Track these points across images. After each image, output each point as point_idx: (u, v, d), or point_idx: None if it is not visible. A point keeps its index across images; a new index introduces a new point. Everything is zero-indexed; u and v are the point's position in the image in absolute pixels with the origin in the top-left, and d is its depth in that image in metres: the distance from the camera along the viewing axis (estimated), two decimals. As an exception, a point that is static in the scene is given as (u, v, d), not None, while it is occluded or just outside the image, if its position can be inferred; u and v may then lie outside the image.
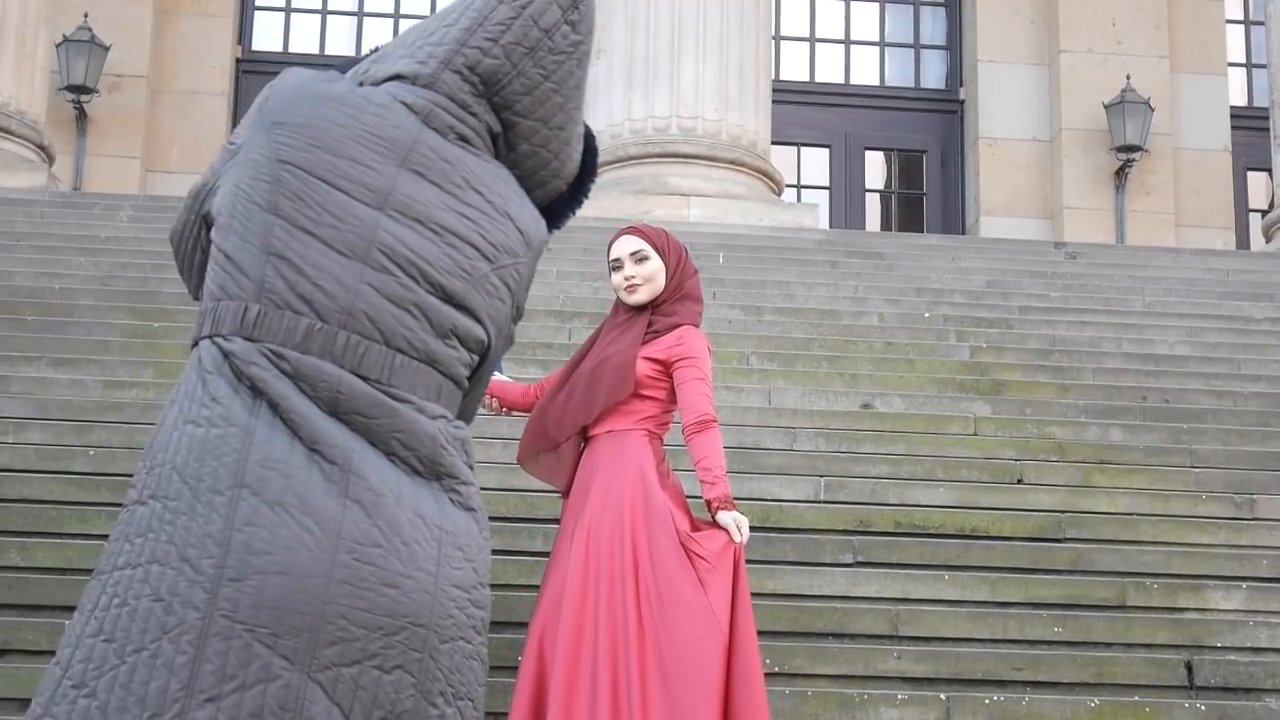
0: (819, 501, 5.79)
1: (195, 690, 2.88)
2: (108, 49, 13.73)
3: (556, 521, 4.21)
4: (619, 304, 4.11)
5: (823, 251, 10.17)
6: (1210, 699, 4.72)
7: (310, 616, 2.96)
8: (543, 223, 3.60)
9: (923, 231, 14.79)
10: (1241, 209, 15.50)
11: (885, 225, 15.53)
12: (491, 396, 4.21)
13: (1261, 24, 15.06)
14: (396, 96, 3.38)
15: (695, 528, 3.86)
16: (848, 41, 15.88)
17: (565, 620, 3.72)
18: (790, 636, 4.88)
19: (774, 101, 12.32)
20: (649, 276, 4.02)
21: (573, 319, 7.72)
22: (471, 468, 3.34)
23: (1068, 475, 6.20)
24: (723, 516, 3.83)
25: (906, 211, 15.80)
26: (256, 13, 15.42)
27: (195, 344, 3.27)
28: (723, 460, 3.92)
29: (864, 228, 15.00)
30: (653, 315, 4.02)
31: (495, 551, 3.58)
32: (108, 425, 5.98)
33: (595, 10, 3.59)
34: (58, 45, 13.18)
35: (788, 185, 13.37)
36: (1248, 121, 15.41)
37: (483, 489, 3.44)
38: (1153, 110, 14.46)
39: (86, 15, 13.70)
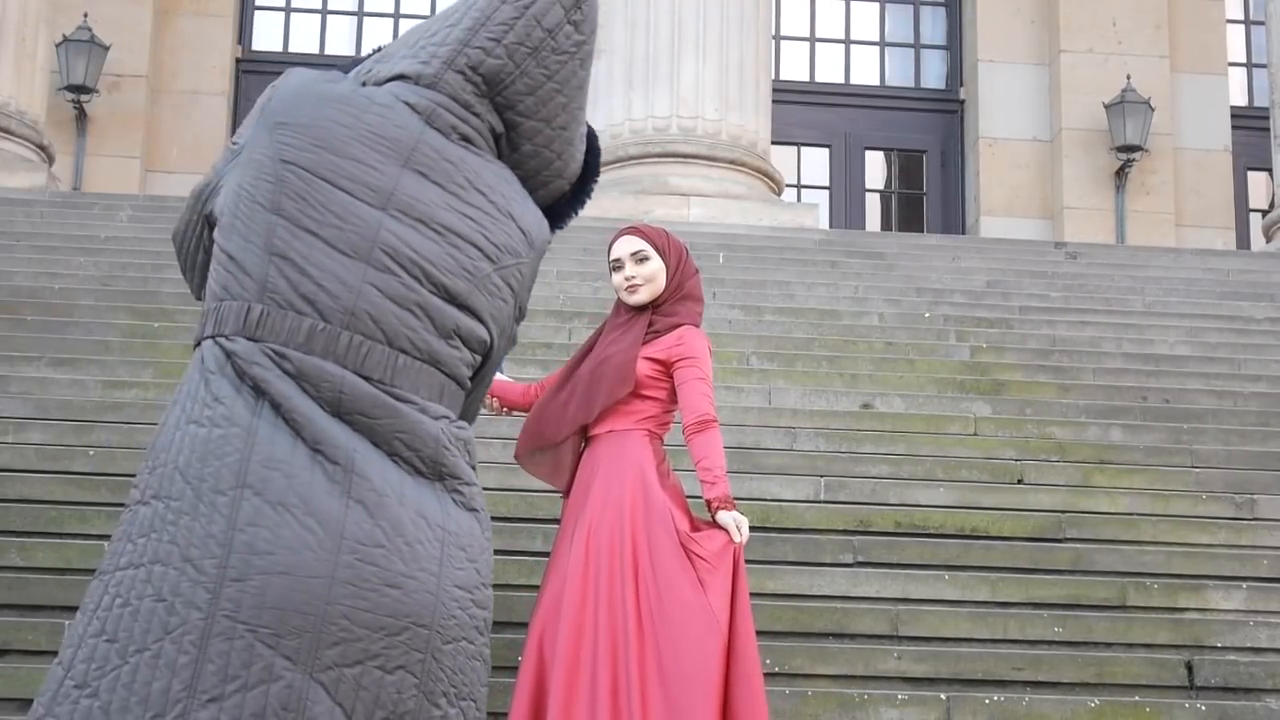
0: (819, 501, 5.79)
1: (197, 690, 2.89)
2: (107, 49, 13.72)
3: (556, 521, 4.21)
4: (620, 304, 4.11)
5: (823, 251, 10.17)
6: (1210, 699, 4.72)
7: (313, 617, 2.96)
8: (545, 223, 3.60)
9: (923, 231, 14.78)
10: (1242, 209, 15.49)
11: (885, 225, 15.53)
12: (492, 396, 4.21)
13: (1261, 24, 15.06)
14: (399, 96, 3.38)
15: (695, 528, 3.86)
16: (848, 41, 15.87)
17: (565, 620, 3.72)
18: (790, 636, 4.88)
19: (774, 101, 12.32)
20: (650, 277, 4.02)
21: (573, 319, 7.72)
22: (474, 468, 3.35)
23: (1068, 475, 6.19)
24: (723, 516, 3.83)
25: (906, 211, 15.79)
26: (256, 12, 15.42)
27: (198, 344, 3.27)
28: (723, 460, 3.92)
29: (864, 228, 15.00)
30: (653, 315, 4.02)
31: (495, 551, 3.57)
32: (108, 425, 5.98)
33: (598, 10, 3.60)
34: (58, 45, 13.18)
35: (788, 185, 13.36)
36: (1248, 121, 15.40)
37: (483, 489, 3.44)
38: (1153, 110, 14.46)
39: (86, 15, 13.70)
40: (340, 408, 3.13)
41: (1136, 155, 14.53)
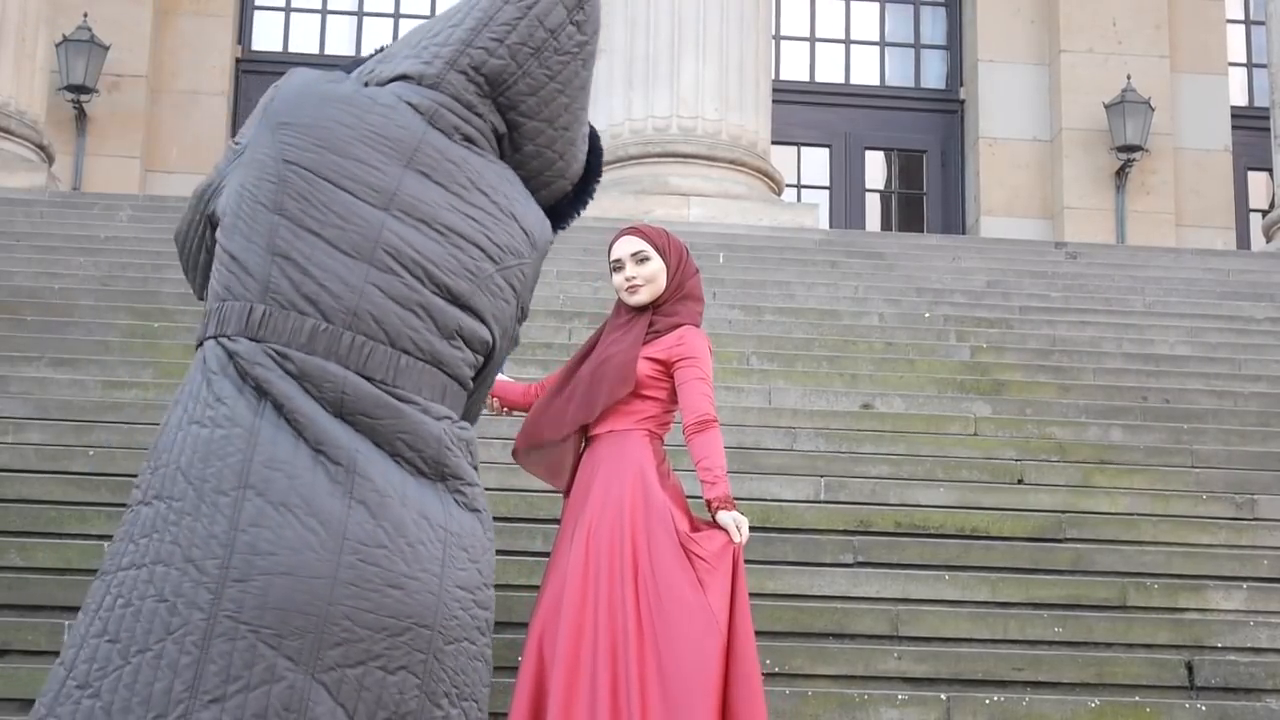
0: (819, 501, 5.79)
1: (199, 691, 2.89)
2: (107, 49, 13.72)
3: (556, 521, 4.21)
4: (620, 304, 4.11)
5: (823, 251, 10.17)
6: (1211, 699, 4.72)
7: (315, 617, 2.96)
8: (547, 223, 3.60)
9: (923, 231, 14.77)
10: (1242, 209, 15.48)
11: (885, 225, 15.53)
12: (493, 396, 4.21)
13: (1262, 24, 15.06)
14: (402, 97, 3.38)
15: (695, 528, 3.86)
16: (848, 41, 15.87)
17: (565, 620, 3.72)
18: (790, 636, 4.88)
19: (774, 101, 12.31)
20: (650, 277, 4.02)
21: (573, 319, 7.72)
22: (476, 469, 3.35)
23: (1068, 475, 6.19)
24: (723, 516, 3.83)
25: (906, 211, 15.79)
26: (256, 12, 15.41)
27: (200, 344, 3.27)
28: (723, 460, 3.92)
29: (864, 228, 14.99)
30: (654, 315, 4.02)
31: (496, 552, 3.58)
32: (107, 425, 5.98)
33: (601, 11, 3.60)
34: (57, 45, 13.18)
35: (788, 185, 13.36)
36: (1248, 121, 15.40)
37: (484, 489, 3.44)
38: (1153, 110, 14.46)
39: (86, 15, 13.69)
40: (342, 408, 3.13)
41: (1136, 155, 14.53)
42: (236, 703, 2.89)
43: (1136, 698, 4.68)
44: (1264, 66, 14.31)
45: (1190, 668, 4.82)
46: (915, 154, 15.74)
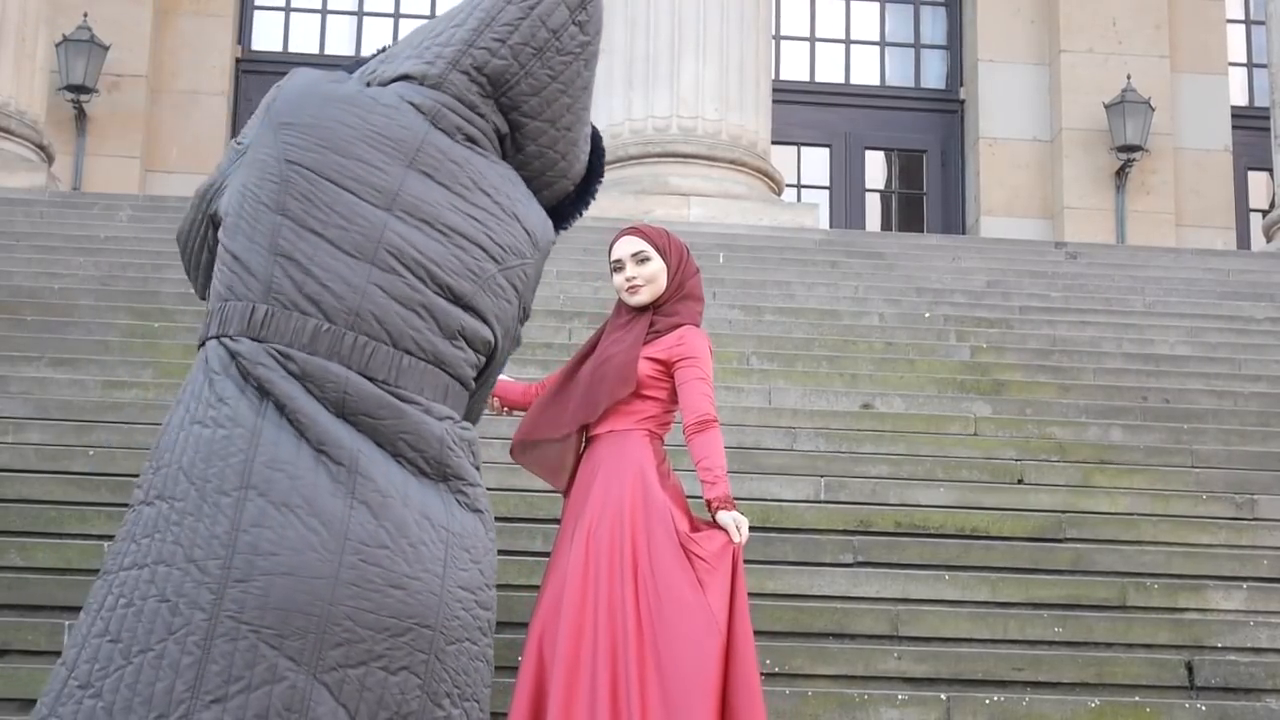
0: (819, 501, 5.79)
1: (201, 691, 2.89)
2: (107, 49, 13.72)
3: (556, 521, 4.21)
4: (620, 304, 4.11)
5: (823, 251, 10.17)
6: (1210, 699, 4.72)
7: (316, 618, 2.96)
8: (550, 224, 3.60)
9: (923, 231, 14.77)
10: (1242, 209, 15.48)
11: (885, 225, 15.53)
12: (493, 396, 4.21)
13: (1262, 24, 15.06)
14: (404, 97, 3.38)
15: (695, 528, 3.86)
16: (848, 41, 15.87)
17: (565, 620, 3.72)
18: (790, 636, 4.88)
19: (774, 101, 12.31)
20: (651, 277, 4.02)
21: (573, 319, 7.72)
22: (478, 469, 3.35)
23: (1068, 475, 6.19)
24: (722, 516, 3.83)
25: (906, 211, 15.79)
26: (256, 12, 15.41)
27: (202, 344, 3.28)
28: (723, 460, 3.92)
29: (864, 228, 14.99)
30: (654, 315, 4.02)
31: (497, 551, 3.58)
32: (107, 425, 5.98)
33: (603, 11, 3.60)
34: (57, 45, 13.18)
35: (788, 185, 13.36)
36: (1248, 121, 15.40)
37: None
38: (1153, 110, 14.46)
39: (86, 15, 13.69)
40: (345, 408, 3.13)
41: (1137, 155, 14.53)
42: (238, 703, 2.89)
43: (1136, 698, 4.68)
44: (1264, 66, 14.31)
45: (1190, 668, 4.82)
46: (915, 154, 15.75)
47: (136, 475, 3.25)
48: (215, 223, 3.43)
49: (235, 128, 14.56)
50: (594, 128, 3.77)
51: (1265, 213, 13.40)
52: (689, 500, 3.98)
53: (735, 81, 11.42)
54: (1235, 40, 16.07)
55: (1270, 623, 5.13)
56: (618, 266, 4.06)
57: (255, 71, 14.80)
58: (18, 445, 5.77)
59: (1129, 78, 14.59)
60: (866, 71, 15.85)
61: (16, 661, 4.46)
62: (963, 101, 15.54)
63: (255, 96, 14.08)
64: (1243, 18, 16.28)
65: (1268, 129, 13.09)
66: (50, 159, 11.64)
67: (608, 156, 4.02)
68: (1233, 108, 15.48)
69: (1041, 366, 7.72)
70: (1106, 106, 14.57)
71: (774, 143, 12.19)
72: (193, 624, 2.92)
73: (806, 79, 15.66)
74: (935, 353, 7.77)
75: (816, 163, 15.44)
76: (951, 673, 4.79)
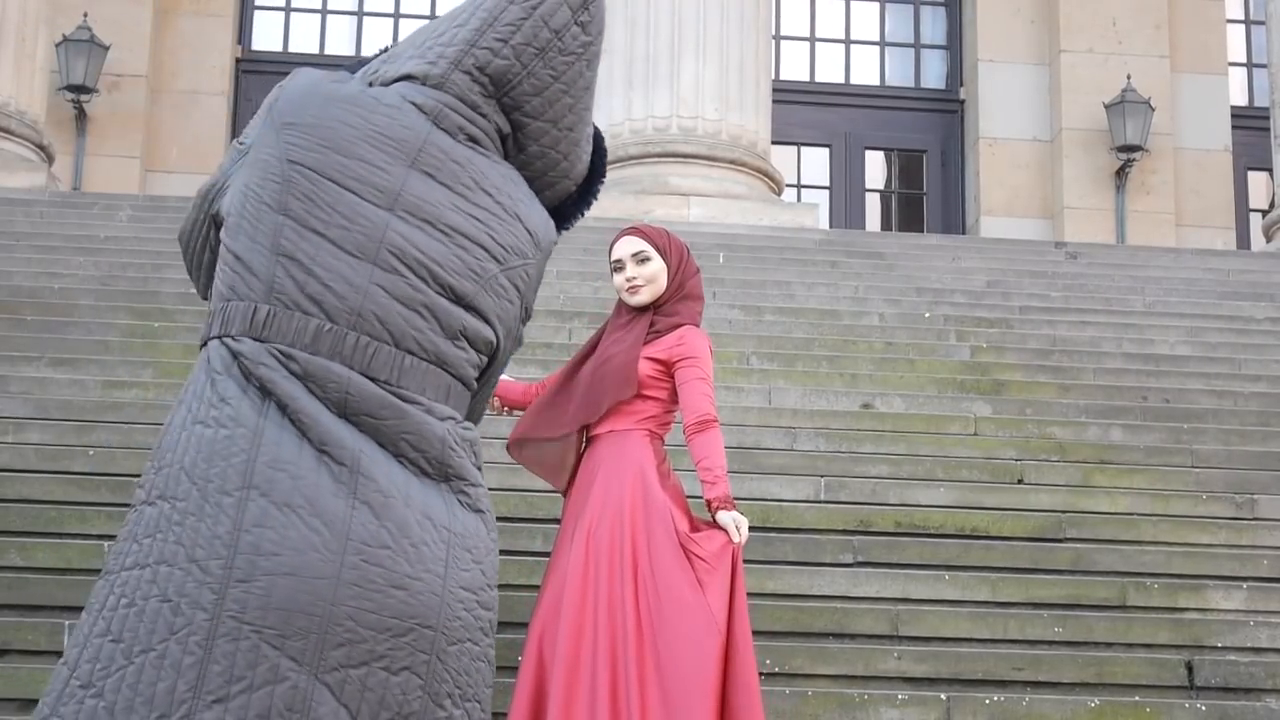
0: (819, 501, 5.79)
1: (203, 691, 2.89)
2: (107, 49, 13.72)
3: (556, 521, 4.21)
4: (621, 304, 4.11)
5: (823, 251, 10.17)
6: (1210, 699, 4.72)
7: (318, 618, 2.96)
8: (551, 224, 3.60)
9: (923, 231, 14.77)
10: (1242, 209, 15.48)
11: (885, 225, 15.53)
12: (494, 396, 4.21)
13: (1262, 24, 15.06)
14: (406, 97, 3.39)
15: (695, 528, 3.86)
16: (848, 41, 15.87)
17: (565, 620, 3.72)
18: (790, 636, 4.88)
19: (774, 101, 12.31)
20: (651, 277, 4.02)
21: (573, 319, 7.72)
22: (480, 469, 3.35)
23: (1068, 475, 6.20)
24: (722, 516, 3.83)
25: (906, 211, 15.79)
26: (256, 12, 15.41)
27: (204, 344, 3.28)
28: (723, 460, 3.92)
29: (864, 228, 14.99)
30: (655, 315, 4.02)
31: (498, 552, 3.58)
32: (108, 425, 5.98)
33: (605, 11, 3.61)
34: (57, 45, 13.17)
35: (788, 185, 13.36)
36: (1248, 121, 15.40)
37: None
38: (1153, 110, 14.46)
39: (86, 15, 13.69)
40: (346, 408, 3.13)
41: (1137, 155, 14.53)
42: (240, 703, 2.89)
43: (1136, 698, 4.69)
44: (1264, 66, 14.31)
45: (1190, 667, 4.82)
46: (915, 154, 15.75)
47: (137, 475, 3.25)
48: (217, 223, 3.43)
49: (235, 128, 14.55)
50: (596, 128, 3.77)
51: (1265, 213, 13.40)
52: (689, 500, 3.98)
53: (735, 81, 11.42)
54: (1235, 40, 16.08)
55: (1270, 623, 5.13)
56: (618, 266, 4.06)
57: (255, 71, 14.80)
58: (18, 445, 5.77)
59: (1129, 78, 14.59)
60: (866, 71, 15.85)
61: (16, 661, 4.46)
62: (963, 101, 15.55)
63: (255, 96, 14.09)
64: (1243, 18, 16.28)
65: (1268, 129, 13.09)
66: (50, 159, 11.64)
67: (608, 156, 4.02)
68: (1233, 108, 15.49)
69: (1041, 366, 7.72)
70: (1106, 106, 14.57)
71: (774, 143, 12.19)
72: (195, 624, 2.93)
73: (806, 79, 15.66)
74: (935, 353, 7.78)
75: (816, 163, 15.44)
76: (951, 673, 4.79)
